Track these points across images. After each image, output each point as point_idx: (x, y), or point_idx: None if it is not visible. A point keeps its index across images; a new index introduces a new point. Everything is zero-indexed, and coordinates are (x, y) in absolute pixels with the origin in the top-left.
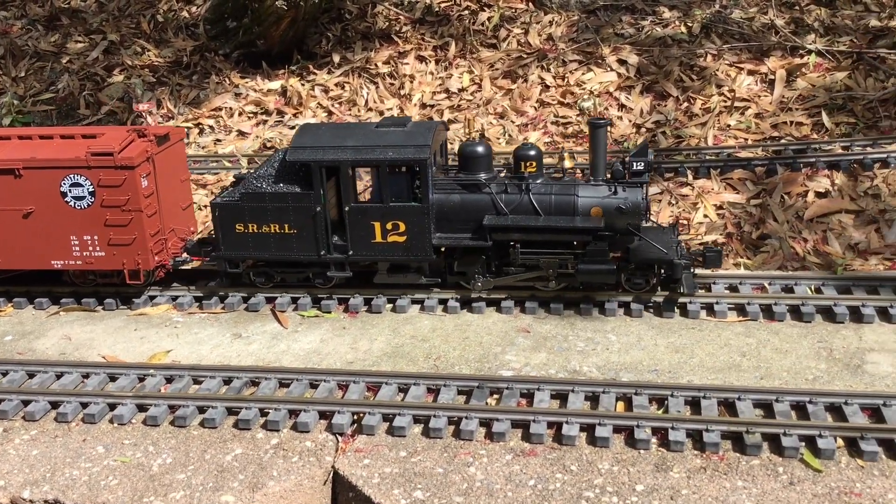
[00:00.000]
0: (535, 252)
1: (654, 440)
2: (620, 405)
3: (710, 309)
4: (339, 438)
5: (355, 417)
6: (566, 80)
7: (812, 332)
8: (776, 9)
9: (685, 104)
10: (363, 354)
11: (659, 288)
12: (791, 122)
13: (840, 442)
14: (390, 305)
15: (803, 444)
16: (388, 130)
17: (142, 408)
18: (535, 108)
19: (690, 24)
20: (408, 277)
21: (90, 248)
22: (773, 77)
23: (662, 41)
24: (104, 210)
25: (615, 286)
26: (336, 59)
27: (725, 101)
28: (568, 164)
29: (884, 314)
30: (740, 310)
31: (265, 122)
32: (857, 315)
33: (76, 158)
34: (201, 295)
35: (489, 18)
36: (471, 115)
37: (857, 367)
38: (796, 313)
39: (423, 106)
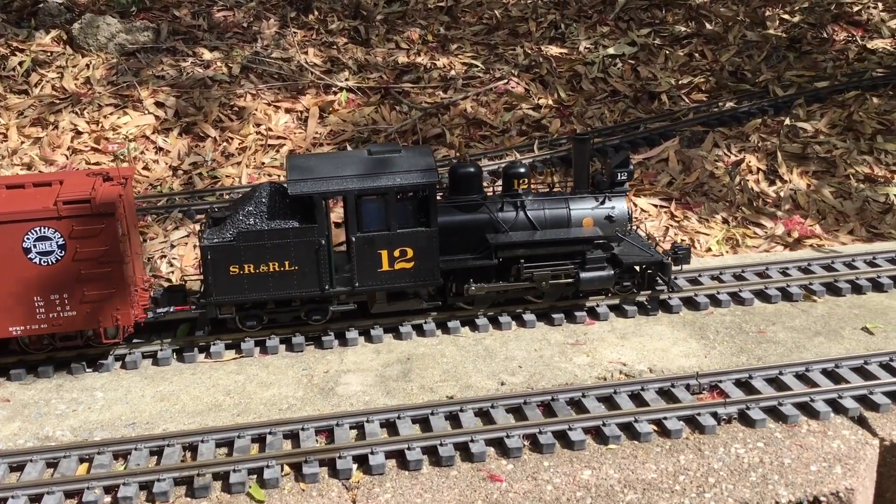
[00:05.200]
0: (538, 266)
1: (107, 499)
2: (83, 467)
3: (206, 350)
4: None
5: None
6: (100, 124)
7: (300, 360)
8: (316, 48)
9: (223, 144)
10: None
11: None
12: None
13: (287, 469)
14: None
15: (254, 476)
16: (389, 157)
17: None
18: (66, 155)
19: (231, 65)
20: (409, 303)
21: (58, 309)
22: (307, 114)
23: (203, 82)
24: (76, 264)
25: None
26: None
27: (261, 140)
28: (556, 179)
29: (366, 334)
30: (237, 347)
31: None
32: (343, 339)
33: (44, 209)
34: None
35: (20, 63)
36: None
37: (331, 391)
38: (288, 343)
39: None
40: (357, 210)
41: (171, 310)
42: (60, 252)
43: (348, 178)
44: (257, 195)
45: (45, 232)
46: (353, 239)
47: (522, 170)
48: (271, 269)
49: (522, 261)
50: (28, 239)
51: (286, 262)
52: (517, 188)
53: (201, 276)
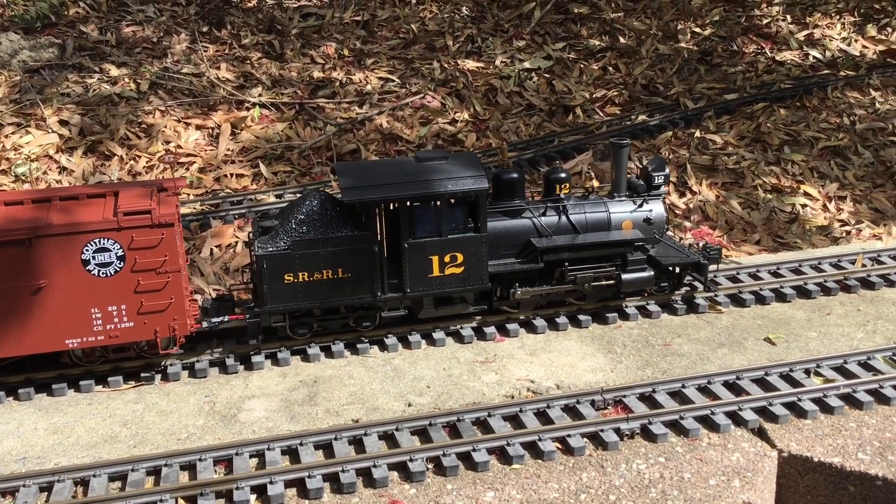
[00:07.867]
0: (582, 269)
1: None
2: None
3: (104, 380)
4: None
5: None
6: (1, 144)
7: (203, 386)
8: (228, 63)
9: (130, 163)
10: None
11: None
12: (232, 175)
13: (182, 503)
14: None
15: None
16: (438, 163)
17: None
18: None
19: (139, 81)
20: (456, 308)
21: (115, 320)
22: (219, 131)
23: (109, 99)
24: (134, 275)
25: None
26: None
27: (170, 158)
28: (596, 183)
29: (272, 357)
30: (136, 375)
31: None
32: (249, 363)
33: (104, 220)
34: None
35: None
36: None
37: (233, 418)
38: (191, 370)
39: None
40: (410, 217)
41: (226, 319)
42: (119, 263)
43: (401, 185)
44: (308, 203)
45: (104, 243)
46: (406, 245)
47: (564, 175)
48: (325, 277)
49: (567, 264)
50: (87, 250)
51: (339, 270)
52: (558, 192)
53: (252, 285)
